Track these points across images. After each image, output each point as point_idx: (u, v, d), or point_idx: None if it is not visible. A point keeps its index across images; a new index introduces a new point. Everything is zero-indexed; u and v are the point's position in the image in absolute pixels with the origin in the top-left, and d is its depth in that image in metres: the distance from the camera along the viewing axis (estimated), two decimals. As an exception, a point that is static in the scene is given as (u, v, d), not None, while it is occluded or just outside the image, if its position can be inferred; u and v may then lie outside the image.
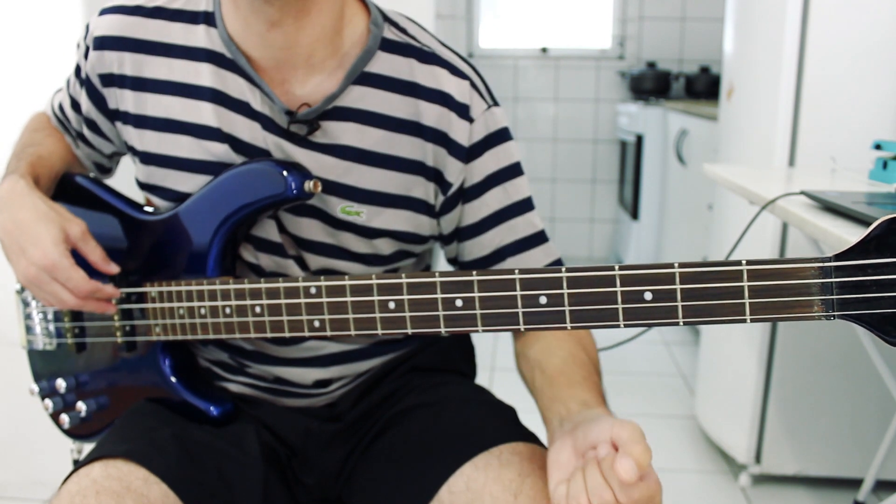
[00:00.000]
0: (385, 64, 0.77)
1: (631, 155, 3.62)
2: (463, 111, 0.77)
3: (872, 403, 1.73)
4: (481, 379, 0.97)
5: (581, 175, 4.10)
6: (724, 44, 2.03)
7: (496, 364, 2.61)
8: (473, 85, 0.79)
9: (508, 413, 0.85)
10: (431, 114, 0.77)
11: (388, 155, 0.77)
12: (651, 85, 3.68)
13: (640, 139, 3.45)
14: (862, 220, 0.97)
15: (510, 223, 0.82)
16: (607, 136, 4.04)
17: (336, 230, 0.80)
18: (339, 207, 0.78)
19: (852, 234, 0.91)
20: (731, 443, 1.91)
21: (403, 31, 0.80)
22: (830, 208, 1.05)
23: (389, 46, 0.78)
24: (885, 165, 1.24)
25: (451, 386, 0.88)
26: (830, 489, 1.83)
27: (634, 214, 3.57)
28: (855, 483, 1.71)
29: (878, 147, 1.26)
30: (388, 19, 0.80)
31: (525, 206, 0.83)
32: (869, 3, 1.55)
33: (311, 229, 0.79)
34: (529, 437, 0.79)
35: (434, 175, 0.79)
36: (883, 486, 1.74)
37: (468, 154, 0.78)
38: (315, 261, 0.82)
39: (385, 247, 0.82)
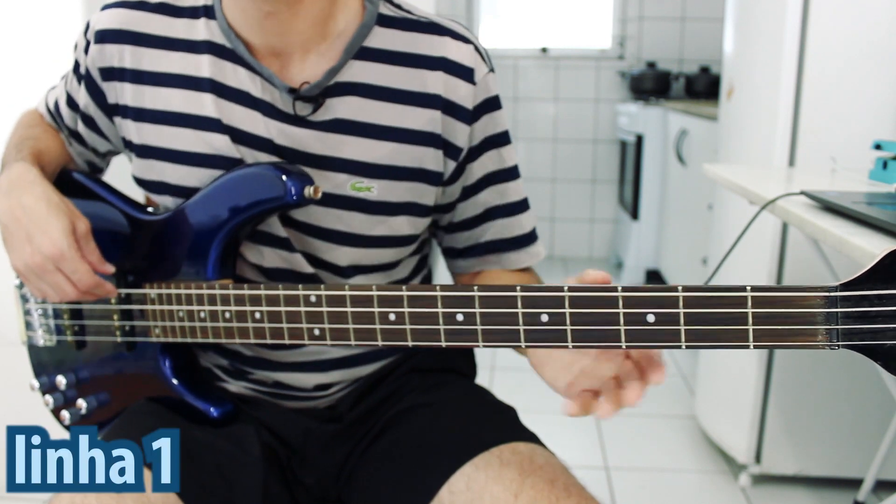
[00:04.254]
0: (384, 38, 0.78)
1: (631, 155, 3.62)
2: (468, 75, 0.78)
3: (872, 403, 1.73)
4: (481, 379, 0.96)
5: (581, 175, 4.10)
6: (724, 44, 2.03)
7: (496, 364, 2.61)
8: (477, 49, 0.80)
9: (508, 413, 0.85)
10: (437, 82, 0.77)
11: (395, 128, 0.77)
12: (651, 85, 3.69)
13: (640, 139, 3.45)
14: (862, 221, 0.97)
15: (501, 187, 0.84)
16: (607, 136, 4.04)
17: (344, 211, 0.79)
18: (349, 184, 0.78)
19: (852, 235, 0.91)
20: (731, 443, 1.91)
21: (398, 6, 0.81)
22: (830, 208, 1.05)
23: (387, 21, 0.78)
24: (885, 165, 1.24)
25: (451, 386, 0.88)
26: (830, 489, 1.83)
27: (634, 214, 3.57)
28: (855, 483, 1.71)
29: (878, 147, 1.26)
30: None
31: (514, 173, 0.86)
32: (869, 3, 1.55)
33: (318, 214, 0.79)
34: (530, 437, 0.79)
35: (443, 143, 0.79)
36: (883, 486, 1.74)
37: (472, 116, 0.79)
38: (322, 250, 0.81)
39: (394, 225, 0.81)
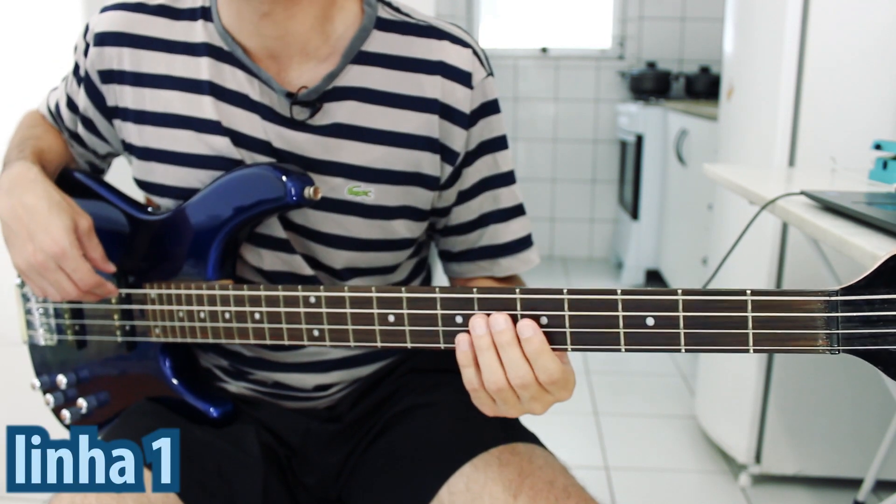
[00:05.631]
0: (382, 42, 0.77)
1: (631, 155, 3.62)
2: (465, 79, 0.78)
3: (872, 404, 1.73)
4: (481, 379, 0.96)
5: (581, 175, 4.10)
6: (724, 44, 2.03)
7: (496, 364, 2.60)
8: (475, 53, 0.79)
9: (508, 413, 0.85)
10: (434, 86, 0.77)
11: (393, 132, 0.77)
12: (651, 85, 3.69)
13: (640, 139, 3.45)
14: (862, 221, 0.97)
15: (495, 192, 0.84)
16: (607, 136, 4.04)
17: (342, 215, 0.79)
18: (346, 189, 0.78)
19: (852, 235, 0.91)
20: (731, 443, 1.91)
21: (397, 10, 0.80)
22: (830, 208, 1.05)
23: (385, 25, 0.78)
24: (885, 165, 1.24)
25: (451, 386, 0.88)
26: (830, 489, 1.83)
27: (634, 214, 3.57)
28: (855, 483, 1.71)
29: (878, 147, 1.26)
30: (382, 0, 0.80)
31: (510, 178, 0.85)
32: (869, 3, 1.55)
33: (315, 218, 0.79)
34: (529, 438, 0.80)
35: (440, 148, 0.79)
36: (883, 486, 1.74)
37: (469, 120, 0.79)
38: (320, 252, 0.81)
39: (391, 228, 0.81)
